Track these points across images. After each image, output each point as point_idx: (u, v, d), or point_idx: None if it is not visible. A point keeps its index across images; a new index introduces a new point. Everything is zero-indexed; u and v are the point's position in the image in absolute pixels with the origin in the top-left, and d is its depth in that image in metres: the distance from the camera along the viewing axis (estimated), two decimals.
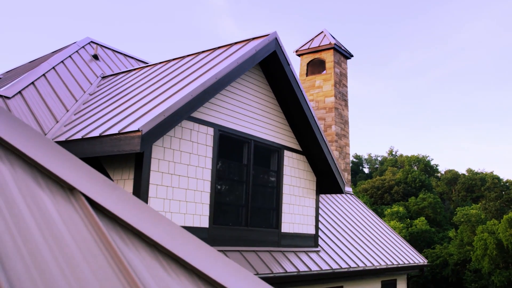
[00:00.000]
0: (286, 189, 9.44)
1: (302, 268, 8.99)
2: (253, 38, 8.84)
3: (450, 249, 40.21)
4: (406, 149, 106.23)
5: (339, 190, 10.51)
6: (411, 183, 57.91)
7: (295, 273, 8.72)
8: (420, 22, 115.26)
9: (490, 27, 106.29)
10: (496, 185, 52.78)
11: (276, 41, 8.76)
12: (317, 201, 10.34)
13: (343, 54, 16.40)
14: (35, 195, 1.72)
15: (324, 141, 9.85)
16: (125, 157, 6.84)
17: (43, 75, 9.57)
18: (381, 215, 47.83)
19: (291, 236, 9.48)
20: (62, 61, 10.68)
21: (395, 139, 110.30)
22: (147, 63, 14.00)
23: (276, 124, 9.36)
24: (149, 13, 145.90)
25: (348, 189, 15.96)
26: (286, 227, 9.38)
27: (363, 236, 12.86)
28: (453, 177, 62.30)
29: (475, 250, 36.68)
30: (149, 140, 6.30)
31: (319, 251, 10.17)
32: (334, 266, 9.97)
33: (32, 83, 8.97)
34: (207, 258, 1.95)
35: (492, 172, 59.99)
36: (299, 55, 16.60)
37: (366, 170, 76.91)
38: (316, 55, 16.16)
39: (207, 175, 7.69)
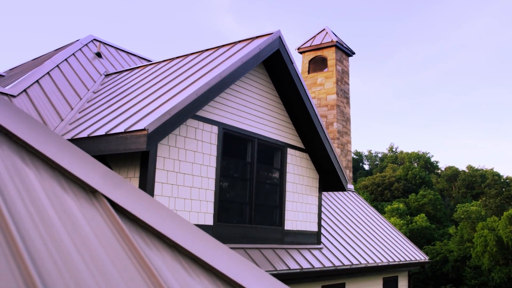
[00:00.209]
0: (289, 187, 9.50)
1: (305, 265, 9.06)
2: (257, 37, 8.88)
3: (450, 246, 40.33)
4: (406, 146, 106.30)
5: (342, 188, 10.58)
6: (411, 179, 58.01)
7: (298, 270, 8.78)
8: (421, 18, 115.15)
9: (491, 24, 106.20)
10: (496, 182, 52.89)
11: (279, 39, 8.80)
12: (320, 199, 10.41)
13: (344, 51, 16.44)
14: (61, 199, 1.77)
15: (327, 139, 9.90)
16: (131, 155, 6.89)
17: (48, 73, 9.61)
18: (381, 211, 47.93)
19: (294, 233, 9.55)
20: (65, 59, 10.72)
21: (395, 136, 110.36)
22: (150, 61, 14.05)
23: (279, 122, 9.42)
24: (149, 11, 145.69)
25: (350, 186, 16.03)
26: (289, 225, 9.44)
27: (364, 233, 12.93)
28: (453, 174, 62.41)
29: (475, 246, 36.79)
30: (155, 138, 6.35)
31: (321, 248, 10.23)
32: (337, 263, 10.04)
33: (37, 81, 9.02)
34: (225, 258, 2.01)
35: (492, 169, 60.12)
36: (301, 53, 16.64)
37: (366, 167, 77.01)
38: (318, 53, 16.19)
39: (212, 173, 7.75)
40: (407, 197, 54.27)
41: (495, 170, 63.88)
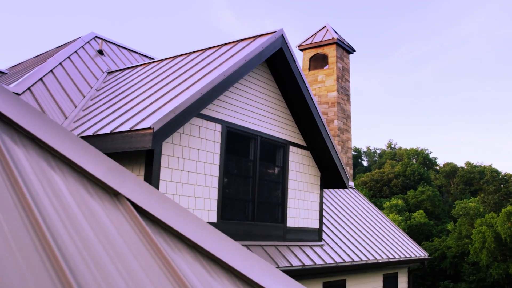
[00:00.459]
0: (291, 184, 9.57)
1: (307, 262, 9.14)
2: (260, 35, 8.93)
3: (449, 242, 40.48)
4: (405, 142, 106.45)
5: (343, 185, 10.66)
6: (410, 176, 58.14)
7: (300, 267, 8.87)
8: (420, 15, 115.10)
9: (490, 21, 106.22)
10: (495, 178, 53.05)
11: (282, 38, 8.85)
12: (321, 196, 10.49)
13: (345, 49, 16.49)
14: (87, 202, 1.83)
15: (329, 137, 9.97)
16: (135, 153, 6.95)
17: (51, 71, 9.66)
18: (379, 208, 48.07)
19: (296, 230, 9.63)
20: (68, 57, 10.76)
21: (394, 132, 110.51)
22: (151, 58, 14.09)
23: (281, 120, 9.48)
24: (148, 7, 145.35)
25: (350, 183, 16.11)
26: (291, 222, 9.52)
27: (365, 230, 13.02)
28: (451, 170, 62.57)
29: (473, 243, 36.94)
30: (160, 137, 6.41)
31: (323, 245, 10.32)
32: (338, 259, 10.13)
33: (41, 79, 9.06)
34: (242, 258, 2.07)
35: (490, 165, 60.28)
36: (301, 50, 16.68)
37: (365, 163, 77.13)
38: (319, 50, 16.24)
39: (215, 171, 7.82)
40: (406, 193, 54.40)
41: (493, 166, 64.03)
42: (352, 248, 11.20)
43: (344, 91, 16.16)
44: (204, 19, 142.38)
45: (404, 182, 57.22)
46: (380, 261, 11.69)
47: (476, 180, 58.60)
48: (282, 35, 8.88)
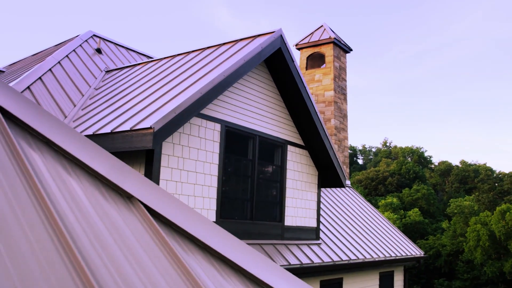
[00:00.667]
0: (289, 183, 9.64)
1: (305, 260, 9.21)
2: (258, 35, 8.97)
3: (443, 240, 40.70)
4: (400, 141, 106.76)
5: (340, 184, 10.73)
6: (405, 174, 58.35)
7: (298, 265, 8.93)
8: (415, 13, 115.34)
9: (486, 19, 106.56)
10: (489, 177, 53.28)
11: (281, 38, 8.90)
12: (319, 195, 10.55)
13: (342, 48, 16.56)
14: (103, 205, 1.88)
15: (327, 136, 10.04)
16: (135, 152, 6.99)
17: (50, 69, 9.67)
18: (375, 206, 48.24)
19: (293, 229, 9.69)
20: (67, 55, 10.77)
21: (389, 131, 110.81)
22: (149, 57, 14.11)
23: (279, 119, 9.54)
24: (143, 5, 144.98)
25: (347, 182, 16.20)
26: (289, 221, 9.58)
27: (362, 228, 13.11)
28: (446, 169, 62.81)
29: (468, 241, 37.16)
30: (160, 137, 6.45)
31: (320, 243, 10.39)
32: (335, 258, 10.20)
33: (40, 78, 9.08)
34: (250, 258, 2.13)
35: (485, 164, 60.60)
36: (299, 49, 16.74)
37: (360, 161, 77.33)
38: (316, 49, 16.30)
39: (214, 170, 7.87)
40: (401, 191, 54.59)
41: (488, 165, 64.36)
42: (349, 247, 11.28)
43: (341, 90, 16.24)
44: (200, 17, 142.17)
45: (399, 181, 57.42)
46: (376, 259, 11.78)
47: (470, 178, 58.87)
48: (281, 35, 8.93)
